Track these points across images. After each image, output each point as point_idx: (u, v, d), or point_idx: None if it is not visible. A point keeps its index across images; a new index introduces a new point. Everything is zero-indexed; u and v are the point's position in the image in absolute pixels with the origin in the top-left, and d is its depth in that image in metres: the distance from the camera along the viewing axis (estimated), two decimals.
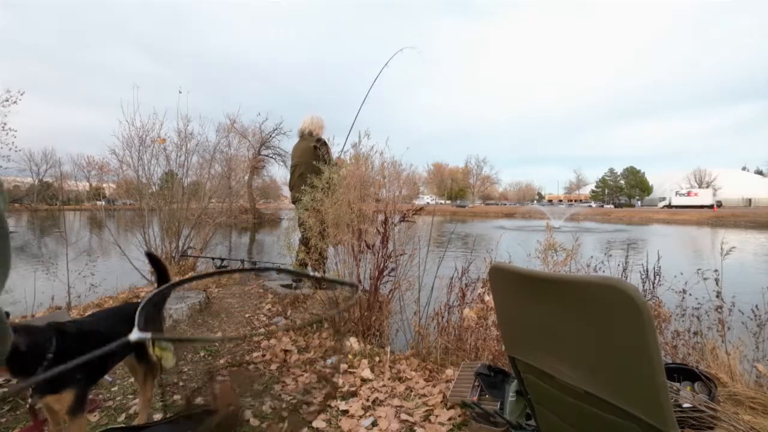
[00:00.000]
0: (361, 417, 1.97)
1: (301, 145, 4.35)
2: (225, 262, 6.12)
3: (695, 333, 2.57)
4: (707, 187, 63.62)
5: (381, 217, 3.21)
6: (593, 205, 63.76)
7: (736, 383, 1.94)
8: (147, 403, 1.79)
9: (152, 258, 1.99)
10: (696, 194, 55.90)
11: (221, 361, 2.65)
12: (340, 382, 2.34)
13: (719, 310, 2.50)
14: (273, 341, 2.94)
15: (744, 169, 79.48)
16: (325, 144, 4.20)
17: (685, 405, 1.60)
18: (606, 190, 72.96)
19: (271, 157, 27.98)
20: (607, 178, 73.86)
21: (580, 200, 74.43)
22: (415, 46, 2.59)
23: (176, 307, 3.45)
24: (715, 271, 2.58)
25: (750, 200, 63.66)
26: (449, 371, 2.44)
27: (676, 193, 58.05)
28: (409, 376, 2.41)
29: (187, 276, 1.78)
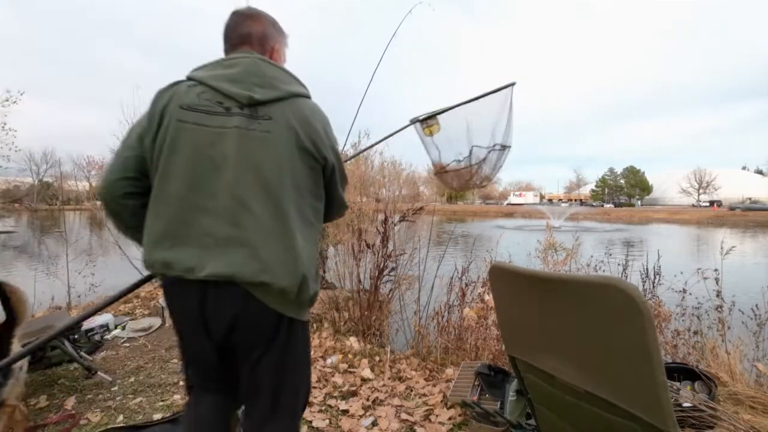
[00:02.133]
0: (361, 416, 1.97)
1: None
2: None
3: (695, 332, 2.57)
4: (707, 186, 63.61)
5: (381, 217, 3.21)
6: (595, 204, 63.82)
7: (736, 382, 1.94)
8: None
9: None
10: (524, 195, 77.84)
11: None
12: (340, 381, 2.34)
13: (719, 309, 2.50)
14: None
15: (744, 168, 79.42)
16: None
17: (686, 404, 1.60)
18: (606, 190, 72.84)
19: None
20: (607, 177, 73.71)
21: (580, 200, 74.38)
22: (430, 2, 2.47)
23: None
24: (715, 270, 2.58)
25: (750, 200, 63.64)
26: (449, 371, 2.44)
27: (513, 194, 79.22)
28: (409, 376, 2.41)
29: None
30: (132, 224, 1.00)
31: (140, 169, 0.96)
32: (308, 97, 1.03)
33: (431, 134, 1.60)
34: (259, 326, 0.94)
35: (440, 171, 1.71)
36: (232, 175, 0.89)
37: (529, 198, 77.96)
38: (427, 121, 1.57)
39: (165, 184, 0.91)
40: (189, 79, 0.97)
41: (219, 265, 0.87)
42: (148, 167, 0.95)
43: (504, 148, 1.65)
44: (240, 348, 0.98)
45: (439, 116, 1.61)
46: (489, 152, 1.65)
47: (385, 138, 1.92)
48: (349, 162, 3.20)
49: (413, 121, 1.65)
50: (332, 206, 1.12)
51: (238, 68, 0.95)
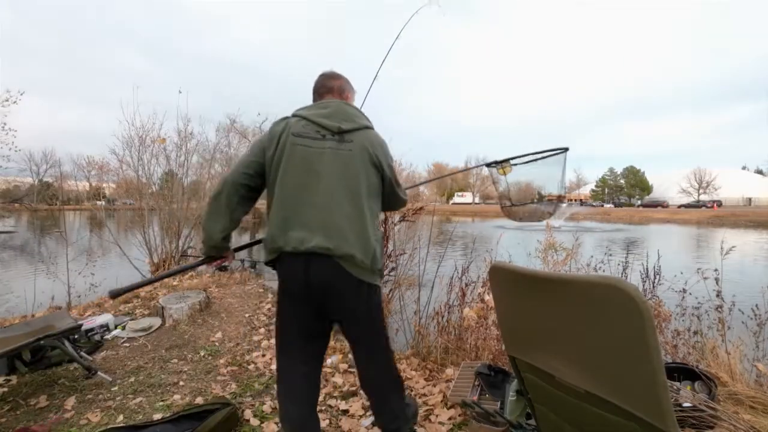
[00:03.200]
0: (361, 417, 1.97)
1: None
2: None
3: (695, 332, 2.56)
4: (707, 186, 63.55)
5: (381, 216, 3.21)
6: (595, 204, 63.68)
7: (737, 382, 1.94)
8: None
9: None
10: (465, 195, 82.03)
11: (221, 361, 2.65)
12: (340, 381, 2.34)
13: (719, 309, 2.50)
14: (273, 340, 2.94)
15: (744, 168, 79.29)
16: None
17: (686, 404, 1.60)
18: (606, 190, 72.66)
19: None
20: (607, 177, 73.60)
21: (580, 200, 74.17)
22: (439, 3, 2.54)
23: (176, 307, 3.45)
24: (715, 270, 2.58)
25: (750, 200, 63.54)
26: (449, 371, 2.45)
27: (456, 194, 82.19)
28: (409, 376, 2.41)
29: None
30: (233, 209, 1.38)
31: (258, 170, 1.38)
32: (373, 129, 1.46)
33: (504, 174, 2.18)
34: (347, 290, 1.31)
35: (506, 207, 2.31)
36: (327, 180, 1.30)
37: (468, 197, 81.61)
38: (503, 164, 2.15)
39: (283, 187, 1.32)
40: (295, 115, 1.40)
41: (320, 240, 1.25)
42: (264, 171, 1.38)
43: (561, 199, 2.17)
44: (340, 312, 1.35)
45: (511, 160, 2.14)
46: (545, 200, 2.23)
47: (458, 172, 2.22)
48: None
49: (489, 165, 2.19)
50: (393, 199, 1.53)
51: (330, 109, 1.39)
